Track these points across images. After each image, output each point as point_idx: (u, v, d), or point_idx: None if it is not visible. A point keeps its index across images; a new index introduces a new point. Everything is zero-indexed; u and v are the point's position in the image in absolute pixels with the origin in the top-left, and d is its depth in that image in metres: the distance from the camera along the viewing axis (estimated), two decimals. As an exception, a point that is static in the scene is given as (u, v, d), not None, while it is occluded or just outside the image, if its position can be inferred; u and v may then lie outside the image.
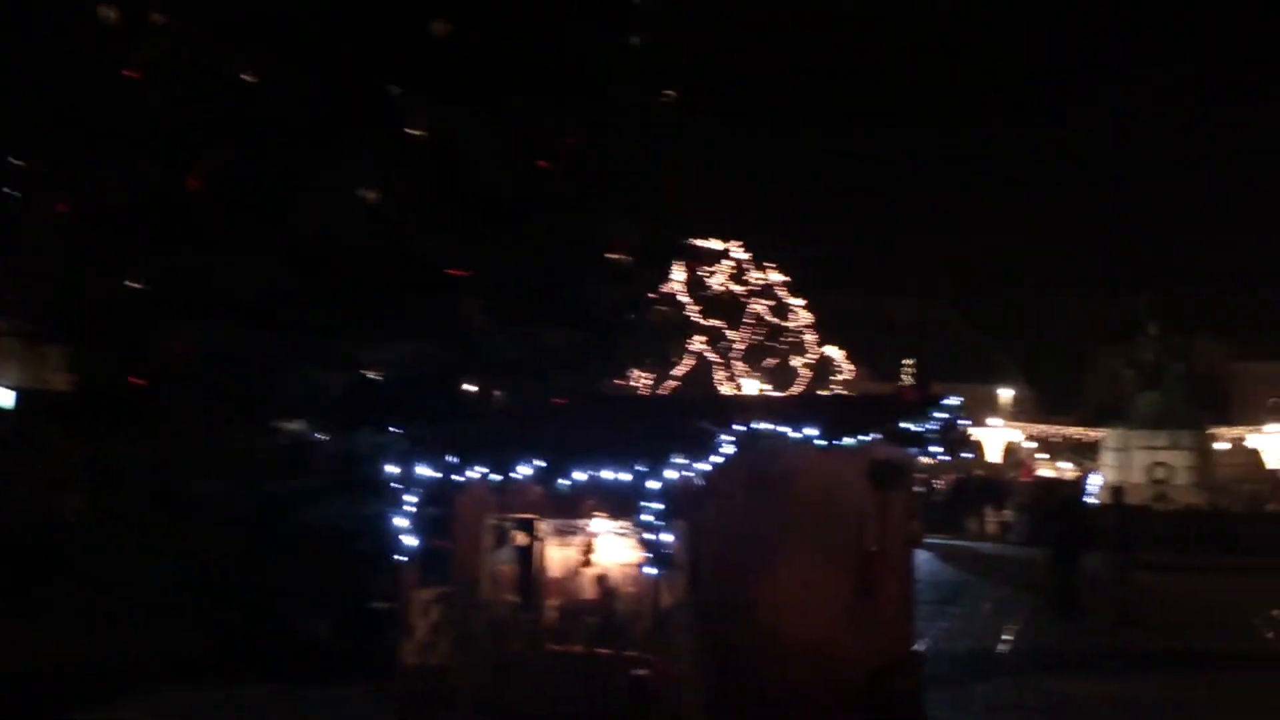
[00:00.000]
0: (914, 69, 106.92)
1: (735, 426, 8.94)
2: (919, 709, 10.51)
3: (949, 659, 13.10)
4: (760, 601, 9.29)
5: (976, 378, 53.21)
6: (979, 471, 39.29)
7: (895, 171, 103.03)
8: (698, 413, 9.30)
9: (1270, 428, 42.90)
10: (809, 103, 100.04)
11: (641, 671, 8.33)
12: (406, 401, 10.39)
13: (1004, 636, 14.81)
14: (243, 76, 10.60)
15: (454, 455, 8.80)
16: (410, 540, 8.94)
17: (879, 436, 9.69)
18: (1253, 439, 43.04)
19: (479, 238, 10.49)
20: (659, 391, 24.49)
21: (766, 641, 9.20)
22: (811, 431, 9.17)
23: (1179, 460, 34.56)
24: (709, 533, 9.19)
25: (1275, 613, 17.63)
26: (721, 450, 8.77)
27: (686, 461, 8.42)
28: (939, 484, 34.68)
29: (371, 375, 10.63)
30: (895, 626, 10.72)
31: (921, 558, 20.87)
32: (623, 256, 10.94)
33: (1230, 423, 46.02)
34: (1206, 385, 47.60)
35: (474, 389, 11.01)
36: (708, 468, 8.63)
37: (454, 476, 8.85)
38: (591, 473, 8.43)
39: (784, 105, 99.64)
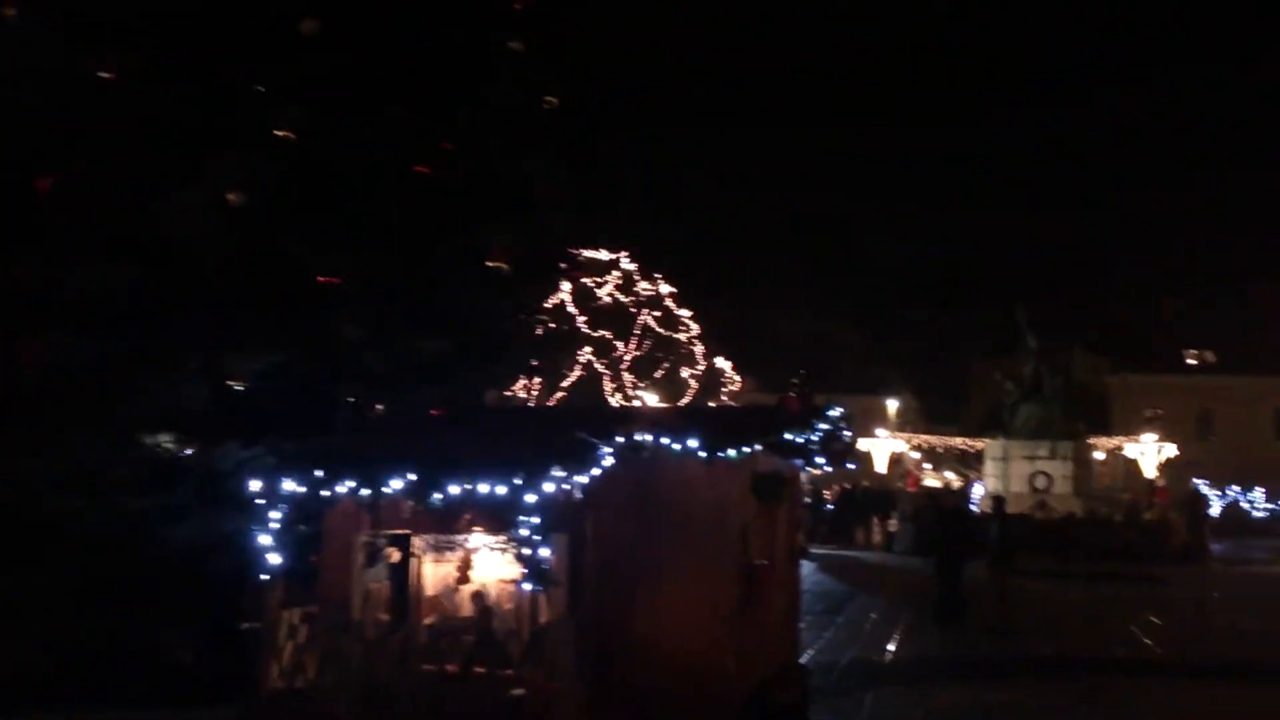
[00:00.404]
0: (804, 80, 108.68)
1: (615, 438, 8.76)
2: (802, 721, 10.43)
3: (834, 670, 13.09)
4: (641, 615, 9.10)
5: (865, 389, 54.10)
6: (865, 482, 39.79)
7: (787, 183, 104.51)
8: (577, 424, 9.09)
9: (1146, 438, 44.29)
10: (702, 111, 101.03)
11: (519, 691, 8.06)
12: (273, 414, 9.94)
13: (888, 646, 14.86)
14: (99, 74, 10.06)
15: (322, 470, 8.43)
16: (275, 558, 8.54)
17: (762, 448, 9.64)
18: (1130, 448, 44.38)
19: (350, 245, 10.12)
20: (547, 404, 24.18)
21: (647, 656, 9.02)
22: (693, 443, 9.03)
23: (1058, 470, 35.46)
24: (589, 546, 8.98)
25: (1152, 618, 18.07)
26: (601, 462, 8.57)
27: (565, 474, 8.20)
28: (826, 495, 35.03)
29: (236, 386, 10.16)
30: (779, 639, 10.64)
31: (807, 569, 20.98)
32: (502, 265, 10.65)
33: (1108, 433, 47.42)
34: (1085, 397, 49.07)
35: (345, 401, 10.59)
36: (587, 480, 8.43)
37: (322, 492, 8.48)
38: (467, 486, 8.14)
39: (678, 113, 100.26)
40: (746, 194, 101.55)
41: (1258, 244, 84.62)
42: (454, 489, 8.10)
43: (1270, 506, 41.90)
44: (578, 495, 8.38)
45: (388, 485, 8.23)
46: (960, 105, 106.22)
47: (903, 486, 36.89)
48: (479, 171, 11.14)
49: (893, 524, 33.00)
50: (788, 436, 9.85)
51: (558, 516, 8.27)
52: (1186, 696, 12.23)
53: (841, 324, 61.19)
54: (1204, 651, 15.41)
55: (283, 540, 8.60)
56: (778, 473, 10.20)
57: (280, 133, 9.92)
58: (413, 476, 8.14)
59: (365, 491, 8.29)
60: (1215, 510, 39.72)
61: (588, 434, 8.56)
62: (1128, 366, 59.97)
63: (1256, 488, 43.63)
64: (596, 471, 8.50)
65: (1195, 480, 38.54)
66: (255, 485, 8.57)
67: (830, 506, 34.47)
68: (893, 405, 51.84)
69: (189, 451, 10.52)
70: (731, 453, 9.22)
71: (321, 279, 10.02)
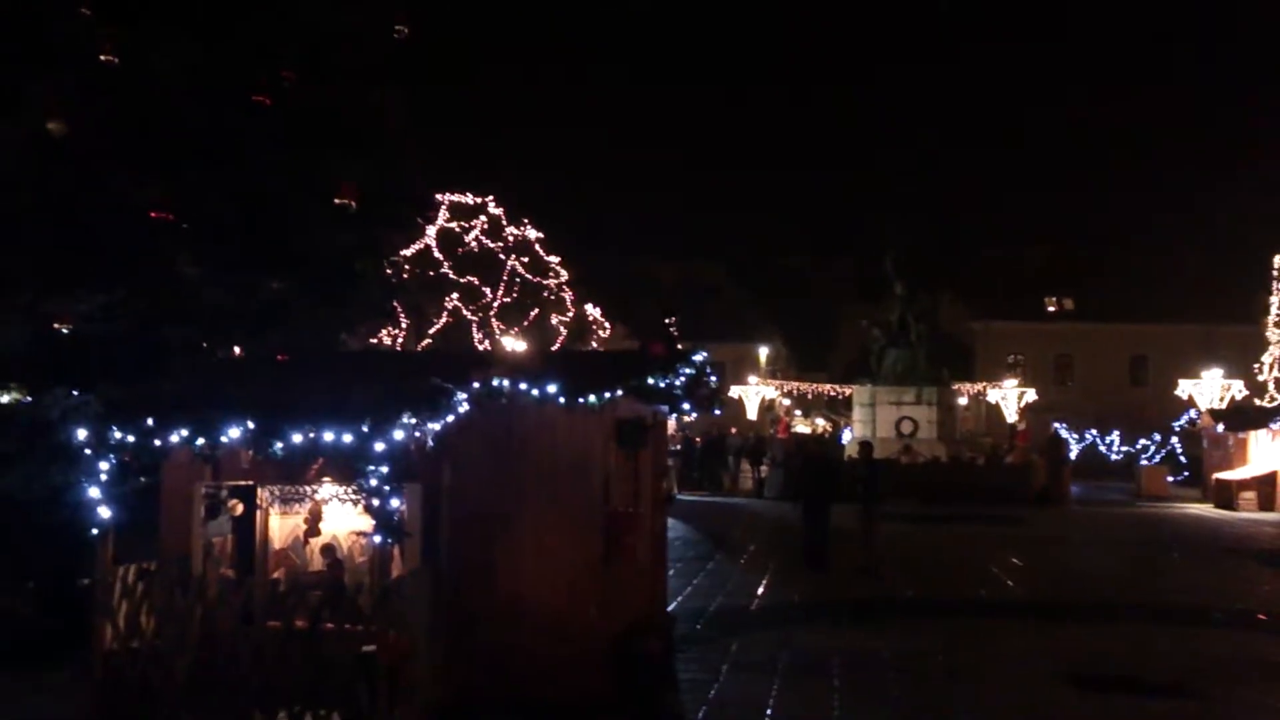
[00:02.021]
0: (684, 33, 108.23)
1: (471, 384, 8.41)
2: (668, 671, 10.32)
3: (701, 617, 13.02)
4: (500, 567, 8.85)
5: (737, 337, 54.46)
6: (735, 429, 40.08)
7: (662, 130, 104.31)
8: (431, 369, 8.71)
9: (1008, 383, 45.57)
10: (576, 52, 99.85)
11: (369, 647, 7.71)
12: (102, 359, 9.27)
13: (756, 592, 14.88)
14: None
15: (153, 418, 7.89)
16: (105, 511, 7.99)
17: (624, 394, 9.40)
18: (992, 394, 45.62)
19: (185, 177, 9.42)
20: (417, 350, 23.60)
21: (507, 608, 8.80)
22: (553, 389, 8.75)
23: (924, 415, 36.20)
24: (444, 496, 8.66)
25: (1013, 560, 18.52)
26: (456, 409, 8.22)
27: (417, 421, 7.82)
28: (697, 440, 35.12)
29: (62, 329, 9.43)
30: (645, 587, 10.49)
31: (676, 515, 20.95)
32: (349, 202, 10.05)
33: (971, 379, 48.65)
34: (949, 343, 50.23)
35: (180, 345, 9.93)
36: (440, 428, 8.07)
37: (154, 441, 7.95)
38: (311, 435, 7.70)
39: (551, 53, 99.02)
40: (621, 140, 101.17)
41: (1115, 197, 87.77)
42: (296, 437, 7.67)
43: (1126, 449, 43.51)
44: (431, 443, 8.04)
45: (225, 434, 7.76)
46: (840, 60, 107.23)
47: (773, 432, 37.21)
48: (324, 103, 10.50)
49: (763, 469, 33.29)
50: (651, 382, 9.62)
51: (410, 466, 7.92)
52: (1044, 636, 12.50)
53: (714, 271, 61.35)
54: (1062, 591, 15.83)
55: (113, 492, 8.07)
56: (641, 419, 9.99)
57: (104, 57, 9.12)
58: (251, 425, 7.67)
59: (201, 441, 7.80)
60: (1074, 453, 41.10)
61: (442, 379, 8.20)
62: (990, 314, 61.54)
63: (1113, 430, 45.27)
64: (451, 418, 8.16)
65: (1055, 424, 39.76)
66: (82, 434, 8.02)
67: (697, 453, 34.51)
68: (764, 352, 52.25)
69: (12, 398, 9.78)
70: (593, 399, 8.98)
71: (154, 214, 9.33)
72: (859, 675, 10.49)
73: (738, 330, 55.80)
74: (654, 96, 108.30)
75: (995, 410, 45.53)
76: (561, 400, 8.80)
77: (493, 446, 8.81)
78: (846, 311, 59.24)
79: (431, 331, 26.15)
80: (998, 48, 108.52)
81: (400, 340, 23.80)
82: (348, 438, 7.59)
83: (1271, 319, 41.83)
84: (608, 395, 9.12)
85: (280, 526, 9.26)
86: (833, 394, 46.44)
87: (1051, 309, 62.94)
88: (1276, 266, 42.03)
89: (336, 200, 9.69)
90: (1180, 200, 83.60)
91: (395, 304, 15.26)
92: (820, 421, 54.72)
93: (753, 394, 43.10)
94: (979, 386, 46.65)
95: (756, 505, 28.96)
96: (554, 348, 25.43)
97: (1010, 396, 44.74)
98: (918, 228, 66.92)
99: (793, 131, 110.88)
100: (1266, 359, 41.57)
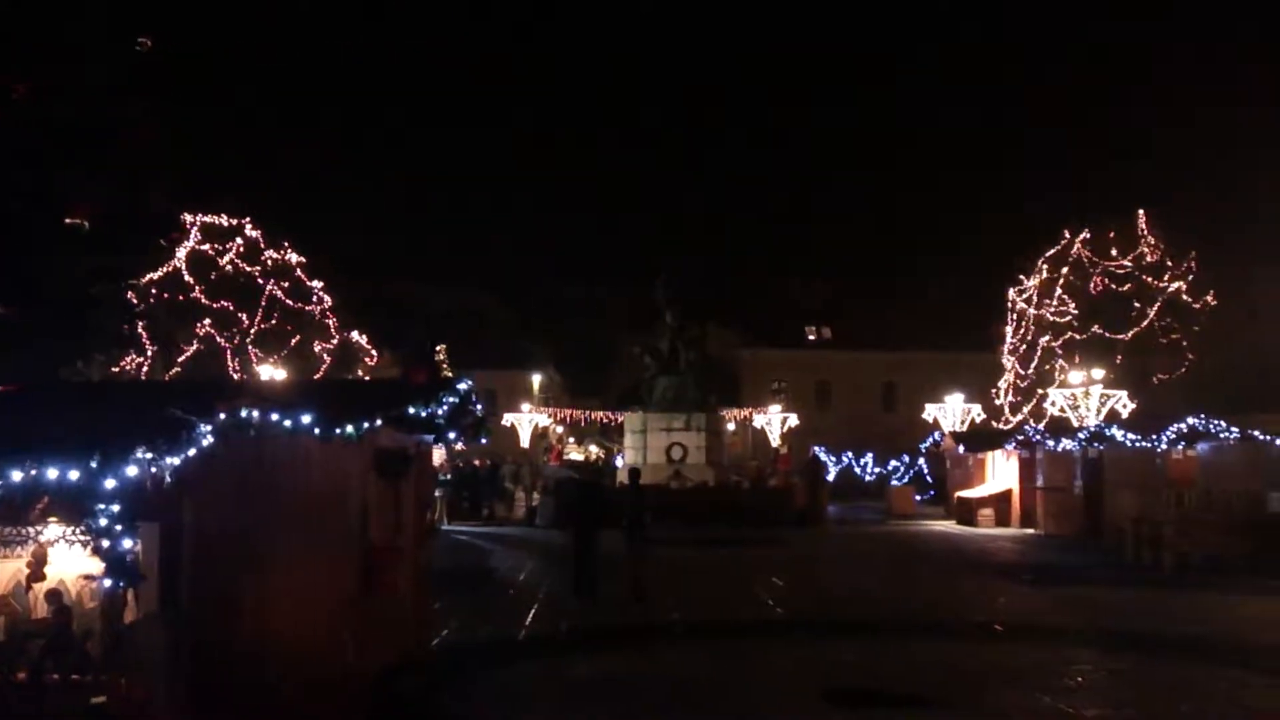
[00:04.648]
0: (461, 62, 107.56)
1: (217, 415, 7.96)
2: (431, 707, 10.04)
3: (469, 649, 12.76)
4: (248, 606, 8.39)
5: (510, 364, 54.29)
6: (509, 457, 39.83)
7: (441, 160, 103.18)
8: (172, 400, 8.19)
9: (772, 408, 47.12)
10: (342, 78, 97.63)
11: (99, 698, 7.15)
12: None
13: (525, 621, 14.73)
14: None
15: None
16: None
17: (384, 423, 9.14)
18: (758, 419, 47.04)
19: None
20: (164, 379, 22.28)
21: (256, 650, 8.34)
22: (307, 419, 8.39)
23: (693, 440, 36.90)
24: (185, 535, 8.15)
25: (775, 580, 19.02)
26: (199, 442, 7.75)
27: (154, 455, 7.32)
28: (466, 468, 34.66)
29: None
30: (406, 622, 10.20)
31: (443, 546, 20.57)
32: (81, 222, 9.37)
33: (739, 405, 50.05)
34: (718, 370, 51.55)
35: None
36: (181, 462, 7.58)
37: None
38: (33, 471, 7.08)
39: (317, 76, 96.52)
40: (394, 164, 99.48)
41: (872, 233, 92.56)
42: (16, 475, 7.04)
43: (879, 470, 45.71)
44: (170, 479, 7.54)
45: (-67, 472, 7.04)
46: (615, 91, 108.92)
47: (545, 460, 37.16)
48: (57, 117, 9.79)
49: (534, 497, 33.15)
50: (412, 411, 9.39)
51: (145, 503, 7.40)
52: (804, 653, 12.86)
53: (487, 298, 61.05)
54: (821, 609, 16.36)
55: None
56: (403, 449, 9.73)
57: None
58: (-37, 461, 7.00)
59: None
60: (832, 475, 42.84)
61: (184, 410, 7.73)
62: (757, 342, 63.69)
63: (868, 453, 47.49)
64: (193, 452, 7.69)
65: (814, 447, 41.34)
66: None
67: (466, 482, 33.97)
68: (537, 379, 52.26)
69: None
70: (350, 429, 8.68)
71: None
72: (626, 702, 10.49)
73: (511, 358, 55.65)
74: (432, 123, 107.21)
75: (760, 435, 46.98)
76: (317, 431, 8.46)
77: (240, 481, 8.36)
78: (620, 339, 60.00)
79: (180, 360, 24.71)
80: (770, 84, 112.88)
81: (146, 369, 22.40)
82: (74, 474, 7.02)
83: (1006, 347, 44.96)
84: (366, 425, 8.85)
85: (0, 571, 8.51)
86: (606, 421, 46.84)
87: (812, 337, 65.70)
88: (1010, 300, 45.24)
89: (68, 220, 9.02)
90: (929, 236, 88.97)
91: (139, 330, 14.34)
92: (594, 448, 55.09)
93: (526, 421, 42.93)
94: (746, 412, 48.01)
95: (527, 534, 28.76)
96: (315, 376, 24.55)
97: (775, 421, 46.25)
98: (689, 258, 68.66)
99: (567, 163, 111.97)
100: (1002, 384, 44.61)
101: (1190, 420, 22.40)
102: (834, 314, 65.06)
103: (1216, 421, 21.84)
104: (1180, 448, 22.89)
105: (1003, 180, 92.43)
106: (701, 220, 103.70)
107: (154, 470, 7.31)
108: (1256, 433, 21.00)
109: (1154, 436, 23.57)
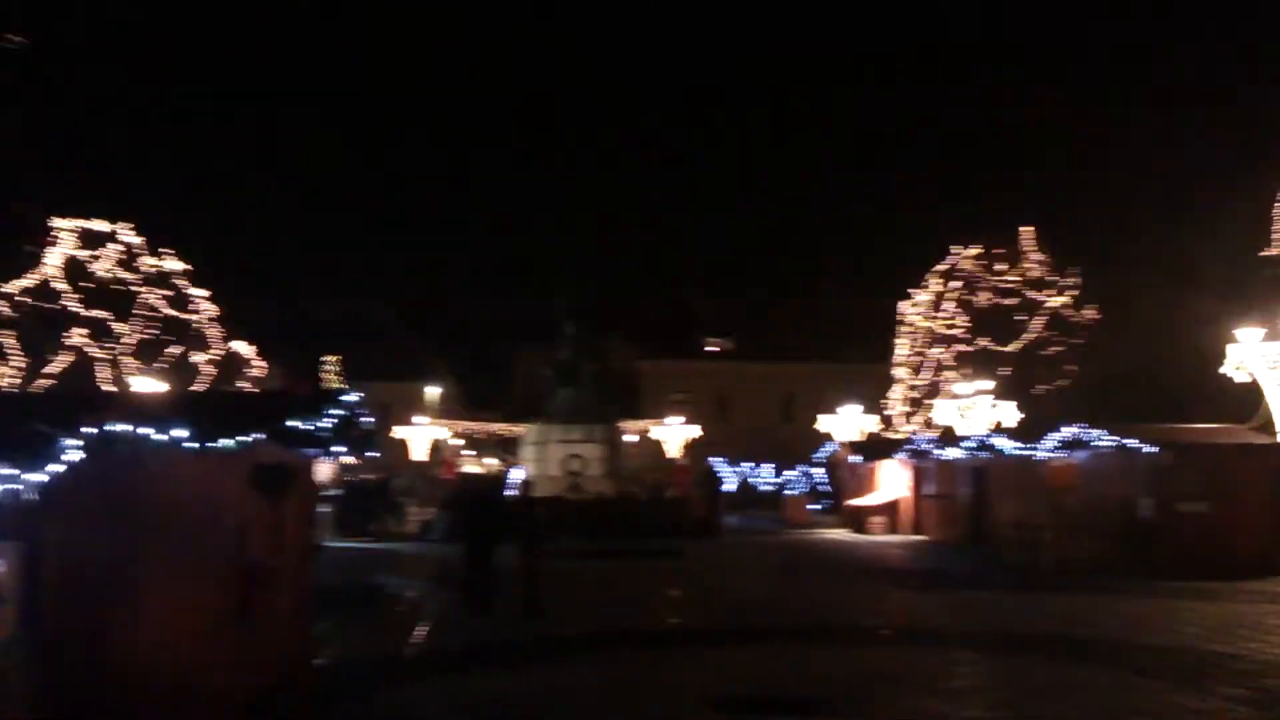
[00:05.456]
0: (351, 75, 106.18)
1: (84, 429, 7.72)
2: (312, 728, 9.84)
3: (354, 669, 12.52)
4: (116, 628, 8.12)
5: (405, 375, 53.58)
6: (402, 471, 39.28)
7: (332, 169, 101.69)
8: (35, 414, 7.93)
9: (672, 420, 47.27)
10: (233, 79, 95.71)
11: (-43, 730, 6.86)
12: None
13: (414, 639, 14.51)
14: None
15: None
16: None
17: (265, 437, 8.95)
18: (656, 430, 47.15)
19: None
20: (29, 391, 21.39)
21: (124, 673, 8.08)
22: (181, 433, 8.18)
23: (592, 452, 36.95)
24: (49, 555, 7.87)
25: (671, 591, 19.07)
26: (64, 458, 7.51)
27: (15, 472, 7.08)
28: (357, 483, 34.02)
29: None
30: (286, 643, 9.96)
31: (329, 563, 20.15)
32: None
33: (638, 416, 50.14)
34: (618, 382, 51.67)
35: None
36: (45, 479, 7.34)
37: None
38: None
39: (207, 78, 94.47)
40: (285, 173, 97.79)
41: (770, 247, 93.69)
42: None
43: (775, 480, 46.26)
44: (32, 497, 7.30)
45: None
46: (525, 107, 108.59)
47: (440, 473, 36.79)
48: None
49: (428, 512, 32.72)
50: (295, 424, 9.21)
51: (6, 523, 7.15)
52: (697, 663, 12.91)
53: (382, 310, 60.21)
54: (715, 619, 16.47)
55: None
56: (284, 464, 9.53)
57: None
58: None
59: None
60: (730, 485, 43.21)
61: (48, 425, 7.48)
62: (657, 353, 63.96)
63: (765, 463, 47.98)
64: (58, 468, 7.45)
65: (712, 459, 41.63)
66: None
67: (357, 497, 33.24)
68: (434, 391, 51.61)
69: None
70: (229, 443, 8.49)
71: None
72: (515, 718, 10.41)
73: (406, 370, 54.93)
74: (324, 133, 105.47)
75: (660, 446, 47.11)
76: (193, 445, 8.26)
77: (108, 498, 8.11)
78: (519, 351, 59.78)
79: (48, 371, 23.61)
80: (678, 96, 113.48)
81: (19, 381, 21.47)
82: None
83: (898, 358, 45.87)
84: (246, 439, 8.66)
85: None
86: (504, 434, 46.53)
87: (713, 349, 66.22)
88: (900, 313, 46.20)
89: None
90: (828, 250, 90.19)
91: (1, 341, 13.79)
92: (492, 461, 54.68)
93: (420, 434, 42.26)
94: (645, 424, 48.10)
95: (419, 550, 28.31)
96: (196, 388, 23.86)
97: (674, 433, 46.43)
98: (590, 270, 68.67)
99: (466, 175, 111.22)
100: (895, 395, 45.48)
101: (1070, 429, 23.08)
102: (734, 326, 65.69)
103: (1094, 431, 22.54)
104: (1060, 456, 23.58)
105: (899, 197, 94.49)
106: (604, 232, 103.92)
107: (13, 487, 7.07)
108: (1130, 441, 21.71)
109: (1035, 445, 24.26)
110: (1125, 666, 12.13)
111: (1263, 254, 29.83)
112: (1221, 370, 23.32)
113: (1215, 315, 26.09)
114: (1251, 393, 23.32)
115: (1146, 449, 21.37)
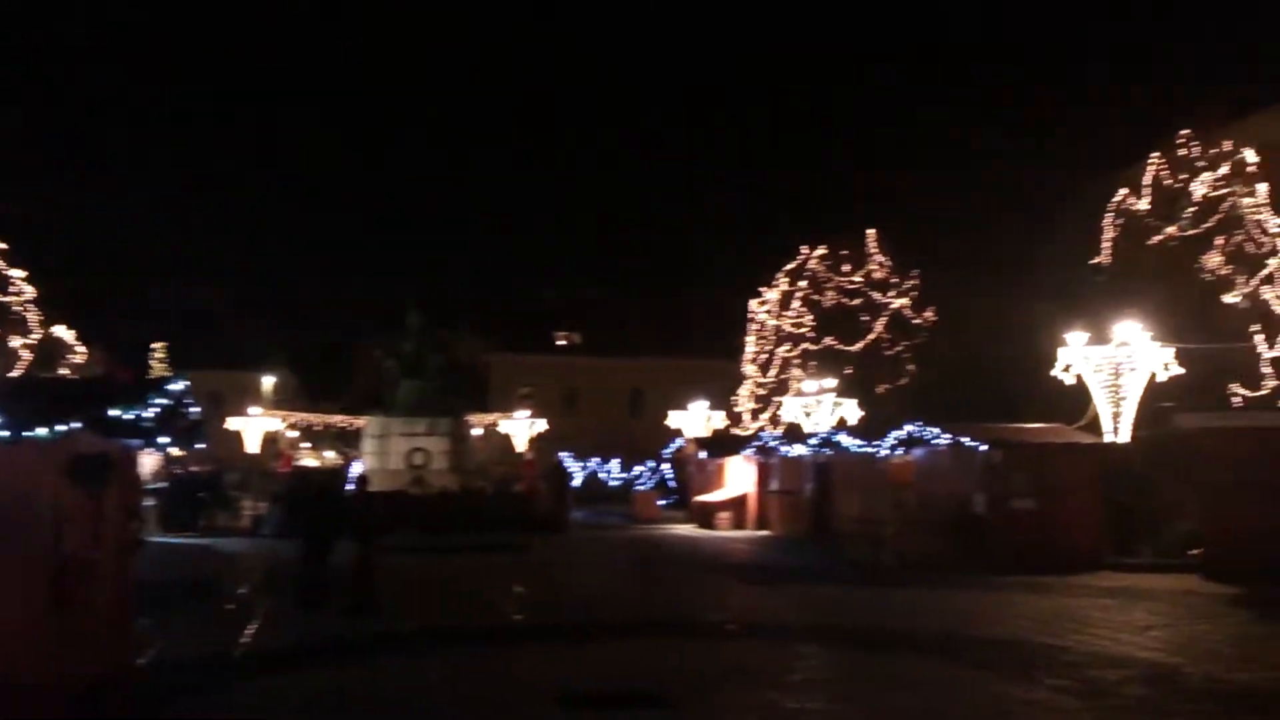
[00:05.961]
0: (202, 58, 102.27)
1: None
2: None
3: (180, 668, 11.92)
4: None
5: (239, 364, 51.67)
6: (236, 463, 37.90)
7: (171, 148, 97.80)
8: None
9: (519, 414, 46.97)
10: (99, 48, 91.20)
11: None
12: None
13: (244, 636, 13.93)
14: None
15: None
16: None
17: (83, 426, 8.43)
18: (505, 424, 46.77)
19: None
20: None
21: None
22: (-8, 420, 7.62)
23: (437, 445, 36.28)
24: None
25: (516, 587, 18.82)
26: None
27: None
28: (184, 475, 32.60)
29: None
30: (107, 640, 9.41)
31: (152, 557, 19.26)
32: None
33: (486, 410, 49.60)
34: (465, 375, 50.98)
35: None
36: None
37: None
38: None
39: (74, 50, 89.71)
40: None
41: (620, 240, 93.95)
42: None
43: (624, 475, 46.39)
44: None
45: None
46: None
47: (275, 466, 35.60)
48: None
49: (260, 506, 31.60)
50: (115, 413, 8.70)
51: None
52: (544, 659, 12.73)
53: (216, 296, 57.96)
54: (563, 614, 16.31)
55: None
56: (104, 454, 8.98)
57: None
58: None
59: None
60: (578, 480, 43.12)
61: None
62: (505, 346, 63.45)
63: (613, 459, 48.08)
64: None
65: (560, 453, 41.48)
66: None
67: (184, 490, 31.81)
68: (269, 381, 49.89)
69: None
70: (43, 432, 7.99)
71: None
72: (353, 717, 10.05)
73: (240, 358, 52.99)
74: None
75: (507, 440, 46.70)
76: (6, 434, 7.74)
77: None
78: (361, 342, 58.42)
79: None
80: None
81: None
82: None
83: (747, 356, 46.51)
84: (62, 428, 8.15)
85: None
86: (344, 426, 45.35)
87: (562, 343, 66.04)
88: (751, 311, 46.84)
89: None
90: (678, 247, 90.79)
91: None
92: (331, 454, 53.31)
93: (254, 426, 40.63)
94: (492, 417, 47.64)
95: (252, 545, 27.31)
96: (11, 374, 22.46)
97: (522, 427, 46.09)
98: (438, 261, 67.78)
99: (317, 159, 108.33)
100: (743, 392, 46.11)
101: (908, 427, 23.70)
102: (583, 320, 65.63)
103: (931, 429, 23.19)
104: (899, 453, 24.21)
105: (748, 196, 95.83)
106: (453, 225, 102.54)
107: None
108: (965, 439, 22.40)
109: (876, 443, 24.85)
110: (960, 658, 12.44)
111: (1093, 261, 31.23)
112: (1052, 372, 24.24)
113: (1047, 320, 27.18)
114: (1080, 394, 24.33)
115: (980, 447, 22.07)
